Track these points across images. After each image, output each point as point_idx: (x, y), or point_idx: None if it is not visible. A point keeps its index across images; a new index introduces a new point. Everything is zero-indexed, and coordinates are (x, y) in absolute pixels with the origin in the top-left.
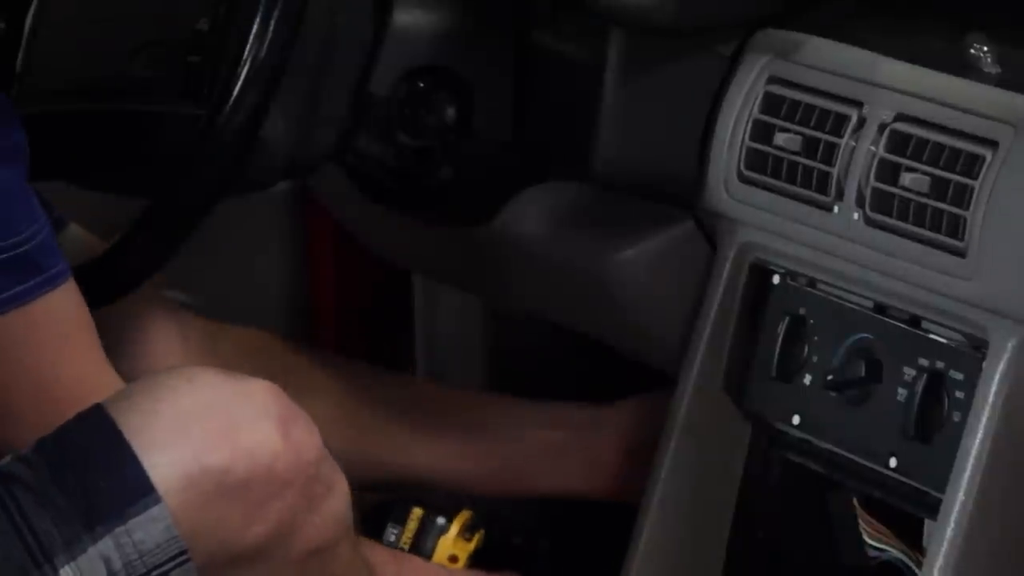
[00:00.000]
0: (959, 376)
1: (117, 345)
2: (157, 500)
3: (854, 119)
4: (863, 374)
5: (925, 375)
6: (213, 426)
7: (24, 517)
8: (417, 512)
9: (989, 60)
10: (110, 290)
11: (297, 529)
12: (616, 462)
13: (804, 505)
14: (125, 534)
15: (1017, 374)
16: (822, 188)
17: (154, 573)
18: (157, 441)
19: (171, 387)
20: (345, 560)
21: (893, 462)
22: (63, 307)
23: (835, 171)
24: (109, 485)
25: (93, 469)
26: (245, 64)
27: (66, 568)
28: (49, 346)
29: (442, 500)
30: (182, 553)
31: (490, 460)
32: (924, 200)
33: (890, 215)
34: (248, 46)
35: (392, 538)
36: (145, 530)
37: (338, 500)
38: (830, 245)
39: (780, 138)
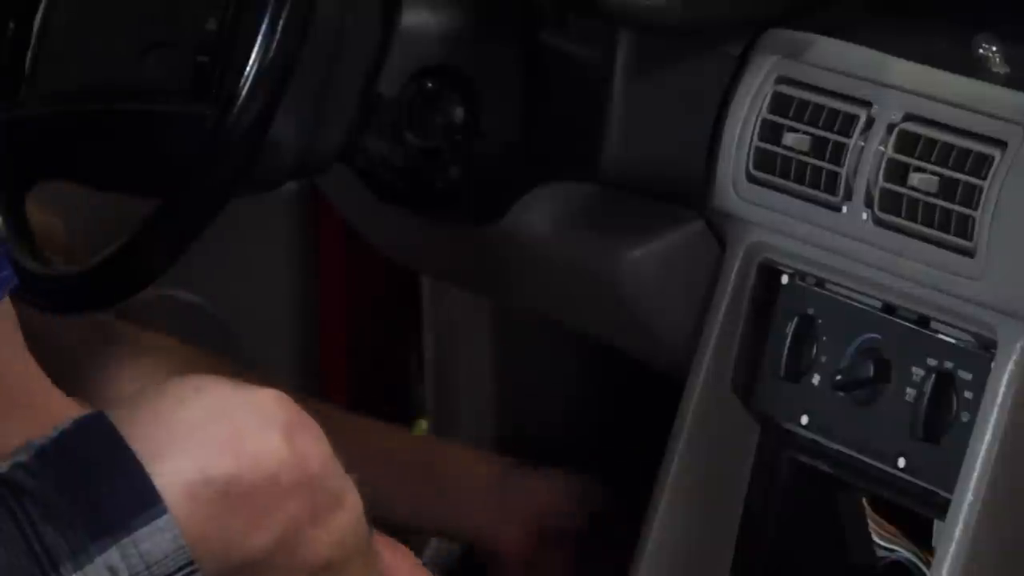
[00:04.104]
0: (968, 376)
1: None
2: (164, 511)
3: (863, 119)
4: (872, 374)
5: (934, 375)
6: (218, 435)
7: (33, 527)
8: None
9: (998, 60)
10: (119, 290)
11: (302, 541)
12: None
13: (813, 505)
14: (131, 544)
15: None
16: (831, 188)
17: None
18: (161, 451)
19: (177, 396)
20: None
21: (902, 462)
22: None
23: (844, 171)
24: (114, 495)
25: (97, 479)
26: (254, 64)
27: None
28: None
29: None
30: (189, 564)
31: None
32: (933, 200)
33: (899, 215)
34: (257, 46)
35: None
36: (152, 541)
37: (348, 517)
38: (839, 245)
39: (789, 138)
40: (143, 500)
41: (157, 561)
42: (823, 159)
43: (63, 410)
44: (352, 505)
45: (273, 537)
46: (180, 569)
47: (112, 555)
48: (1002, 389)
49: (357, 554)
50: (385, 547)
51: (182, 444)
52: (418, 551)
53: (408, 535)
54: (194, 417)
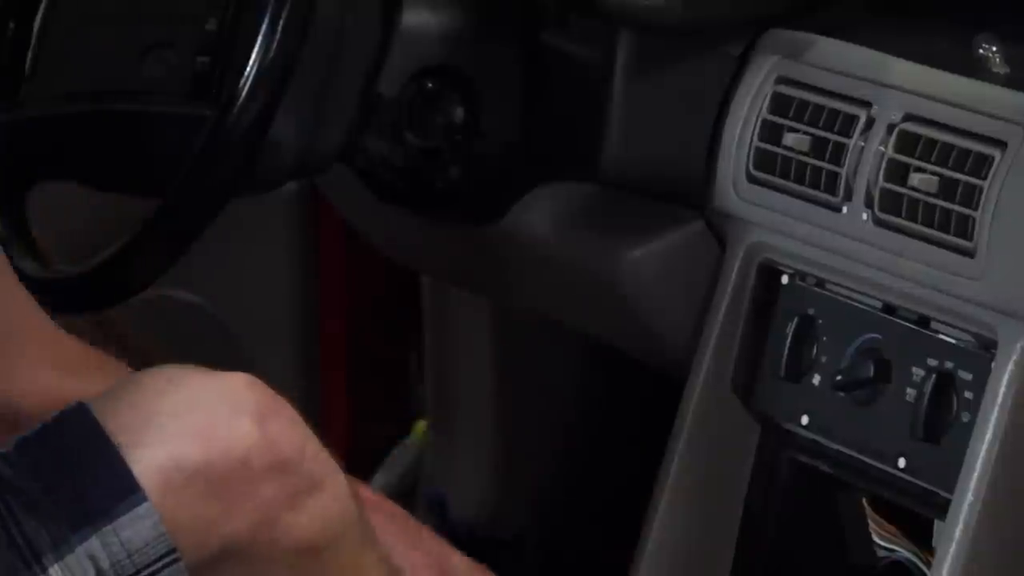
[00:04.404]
0: (968, 376)
1: None
2: (143, 499)
3: (863, 119)
4: (872, 374)
5: (934, 375)
6: (190, 423)
7: (14, 519)
8: None
9: (998, 60)
10: (119, 290)
11: (280, 525)
12: None
13: (813, 505)
14: (112, 532)
15: None
16: (831, 188)
17: (143, 572)
18: (137, 440)
19: (152, 387)
20: (347, 565)
21: (902, 462)
22: None
23: (844, 171)
24: (95, 484)
25: (78, 468)
26: (254, 65)
27: (54, 567)
28: None
29: None
30: (171, 552)
31: None
32: (933, 200)
33: (899, 215)
34: (257, 47)
35: None
36: (132, 528)
37: (328, 499)
38: (839, 245)
39: (789, 138)
40: (123, 488)
41: (138, 549)
42: (823, 159)
43: (77, 346)
44: (334, 489)
45: (249, 522)
46: (161, 558)
47: (93, 544)
48: (1002, 389)
49: (346, 536)
50: (396, 528)
51: (156, 434)
52: None
53: None
54: (168, 407)
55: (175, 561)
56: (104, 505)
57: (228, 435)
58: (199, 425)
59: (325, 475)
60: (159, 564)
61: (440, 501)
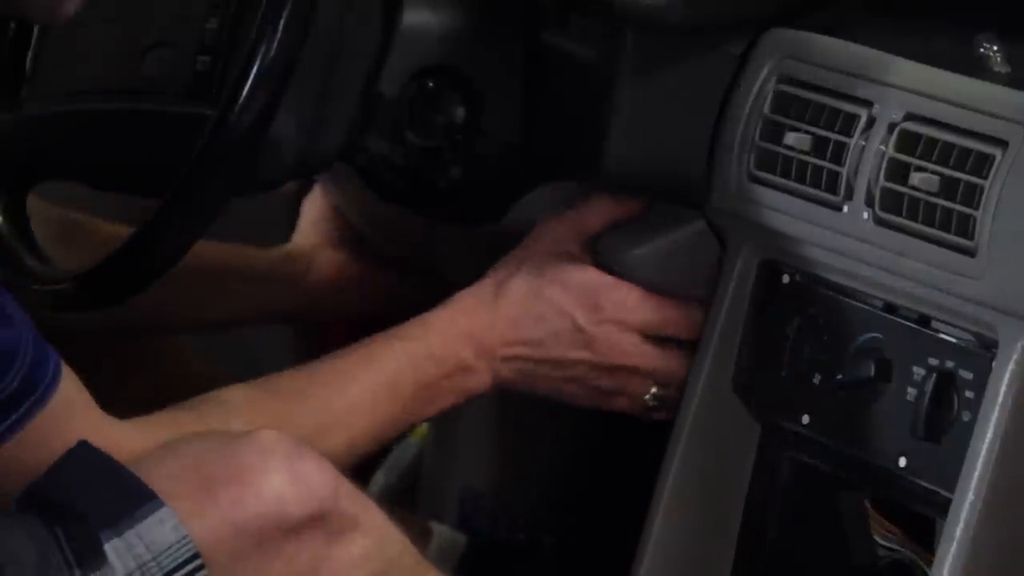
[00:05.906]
0: (969, 376)
1: None
2: (160, 505)
3: (864, 118)
4: (873, 374)
5: (935, 375)
6: (228, 480)
7: (57, 540)
8: None
9: (999, 59)
10: (119, 290)
11: (324, 565)
12: None
13: (814, 505)
14: (135, 535)
15: None
16: (832, 188)
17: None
18: (191, 502)
19: (196, 450)
20: None
21: (903, 462)
22: (65, 402)
23: (845, 171)
24: (113, 496)
25: (97, 487)
26: (255, 64)
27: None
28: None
29: None
30: (195, 557)
31: None
32: (934, 199)
33: (900, 215)
34: (257, 46)
35: None
36: (154, 532)
37: (366, 535)
38: (840, 245)
39: (790, 138)
40: (140, 496)
41: (162, 551)
42: (824, 159)
43: None
44: (370, 523)
45: (292, 566)
46: (186, 562)
47: (117, 545)
48: (1003, 388)
49: (395, 565)
50: None
51: (199, 492)
52: (423, 542)
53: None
54: (211, 467)
55: (199, 568)
56: (125, 512)
57: (264, 488)
58: (235, 481)
59: (359, 512)
60: (188, 568)
61: (476, 498)
